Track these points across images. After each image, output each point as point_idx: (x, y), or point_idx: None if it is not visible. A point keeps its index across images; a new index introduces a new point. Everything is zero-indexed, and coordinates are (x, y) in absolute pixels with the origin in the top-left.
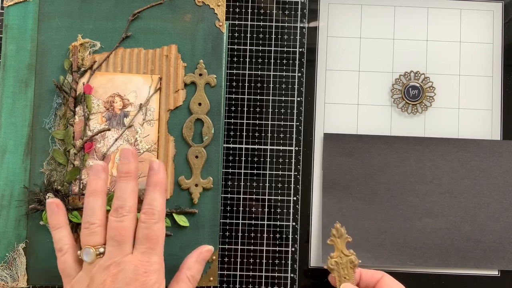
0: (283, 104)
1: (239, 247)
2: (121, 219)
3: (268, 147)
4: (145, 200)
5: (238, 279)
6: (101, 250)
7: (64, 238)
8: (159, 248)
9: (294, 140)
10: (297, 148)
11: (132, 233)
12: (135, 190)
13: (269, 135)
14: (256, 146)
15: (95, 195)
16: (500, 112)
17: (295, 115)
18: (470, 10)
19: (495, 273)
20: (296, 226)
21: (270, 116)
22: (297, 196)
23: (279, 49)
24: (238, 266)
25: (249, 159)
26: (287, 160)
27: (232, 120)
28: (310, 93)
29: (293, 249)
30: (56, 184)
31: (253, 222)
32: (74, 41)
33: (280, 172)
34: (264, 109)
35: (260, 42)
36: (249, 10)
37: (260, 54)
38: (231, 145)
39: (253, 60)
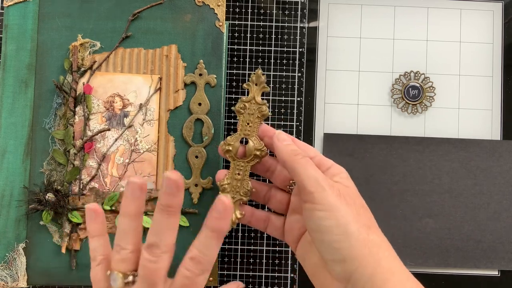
0: (283, 104)
1: (239, 247)
2: (155, 259)
3: None
4: (196, 243)
5: (238, 279)
6: (130, 278)
7: (99, 248)
8: None
9: None
10: None
11: (165, 273)
12: (175, 227)
13: None
14: None
15: (129, 217)
16: (500, 112)
17: (295, 115)
18: (470, 10)
19: (495, 273)
20: None
21: (270, 116)
22: None
23: (279, 49)
24: (238, 266)
25: None
26: None
27: (232, 120)
28: (310, 93)
29: None
30: (56, 184)
31: None
32: (74, 41)
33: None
34: None
35: (260, 42)
36: (249, 10)
37: (260, 54)
38: None
39: (253, 60)
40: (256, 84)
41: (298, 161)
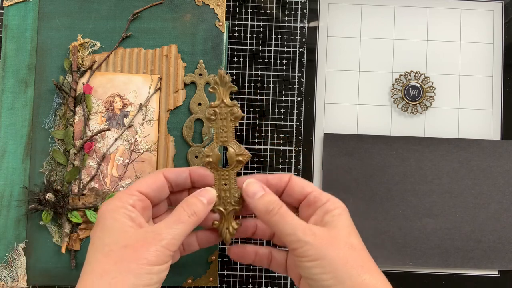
0: (283, 104)
1: None
2: None
3: (268, 147)
4: None
5: (238, 279)
6: None
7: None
8: None
9: (294, 140)
10: (297, 148)
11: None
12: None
13: (269, 135)
14: (256, 146)
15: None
16: (500, 112)
17: (295, 115)
18: (470, 10)
19: (495, 273)
20: None
21: (270, 116)
22: None
23: (279, 49)
24: (238, 266)
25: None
26: (287, 160)
27: None
28: (310, 93)
29: None
30: (56, 184)
31: None
32: (74, 41)
33: (280, 172)
34: (264, 109)
35: (260, 42)
36: (249, 10)
37: (260, 54)
38: None
39: (253, 60)
40: (221, 86)
41: (274, 216)
